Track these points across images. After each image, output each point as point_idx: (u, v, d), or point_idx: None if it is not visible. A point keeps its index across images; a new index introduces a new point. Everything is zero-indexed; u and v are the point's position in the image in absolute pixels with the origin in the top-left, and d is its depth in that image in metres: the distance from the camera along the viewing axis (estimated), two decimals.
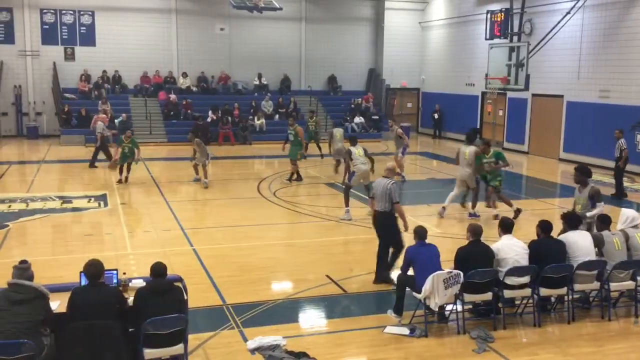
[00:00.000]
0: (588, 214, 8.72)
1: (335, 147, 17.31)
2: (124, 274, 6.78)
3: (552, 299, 8.05)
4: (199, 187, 16.19)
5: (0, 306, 5.49)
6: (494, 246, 7.61)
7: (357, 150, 13.24)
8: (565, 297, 7.85)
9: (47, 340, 5.67)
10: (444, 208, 12.95)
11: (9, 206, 13.59)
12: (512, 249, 7.51)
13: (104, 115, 22.03)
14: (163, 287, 6.01)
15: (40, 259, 9.32)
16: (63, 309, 5.81)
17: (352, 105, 28.52)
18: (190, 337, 6.49)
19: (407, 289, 7.54)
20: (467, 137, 13.39)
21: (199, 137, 17.08)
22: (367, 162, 13.52)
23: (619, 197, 15.18)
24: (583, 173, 8.98)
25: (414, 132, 30.15)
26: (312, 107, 26.10)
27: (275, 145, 23.14)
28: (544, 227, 7.80)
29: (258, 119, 25.95)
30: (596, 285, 7.81)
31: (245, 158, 22.25)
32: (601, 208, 8.72)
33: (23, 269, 5.71)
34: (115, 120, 23.90)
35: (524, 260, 7.49)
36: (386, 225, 8.87)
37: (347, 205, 12.82)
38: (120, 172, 16.33)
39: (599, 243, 7.89)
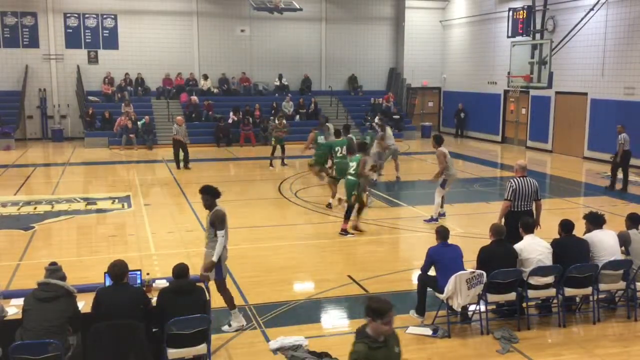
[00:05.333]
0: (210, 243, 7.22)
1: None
2: (148, 274, 6.85)
3: (577, 299, 7.96)
4: (221, 188, 16.23)
5: (28, 305, 5.60)
6: (516, 246, 7.54)
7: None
8: (591, 297, 7.76)
9: (74, 340, 5.75)
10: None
11: (35, 208, 13.80)
12: (535, 249, 7.44)
13: (180, 118, 20.39)
14: (185, 287, 6.06)
15: (65, 260, 9.41)
16: (88, 310, 5.90)
17: (371, 104, 28.50)
18: (213, 337, 6.54)
19: (429, 289, 7.51)
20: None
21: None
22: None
23: (612, 189, 15.92)
24: (210, 193, 7.32)
25: (436, 131, 29.98)
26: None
27: (295, 146, 23.17)
28: (564, 226, 7.72)
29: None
30: (622, 284, 7.71)
31: (267, 159, 22.29)
32: (223, 236, 7.13)
33: (53, 270, 5.80)
34: (138, 123, 24.14)
35: (547, 260, 7.41)
36: None
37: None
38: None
39: (625, 242, 7.79)
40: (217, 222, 7.06)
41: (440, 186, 12.51)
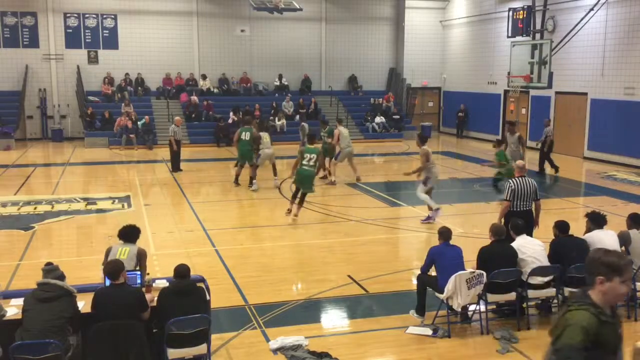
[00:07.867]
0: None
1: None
2: (148, 274, 6.84)
3: None
4: (221, 188, 16.27)
5: (28, 305, 5.60)
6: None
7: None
8: None
9: (74, 340, 5.76)
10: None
11: (35, 208, 13.79)
12: (527, 248, 7.44)
13: (179, 118, 20.07)
14: (185, 288, 6.06)
15: (65, 260, 9.43)
16: (88, 310, 5.89)
17: (371, 104, 28.49)
18: (213, 337, 6.54)
19: (429, 289, 7.51)
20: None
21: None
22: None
23: (540, 173, 18.23)
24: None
25: (436, 131, 30.01)
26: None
27: (295, 146, 23.27)
28: (561, 226, 7.71)
29: (279, 120, 26.02)
30: None
31: None
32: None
33: (50, 270, 5.80)
34: (138, 123, 24.15)
35: (542, 257, 7.41)
36: None
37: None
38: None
39: (625, 241, 7.77)
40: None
41: (423, 184, 12.34)
